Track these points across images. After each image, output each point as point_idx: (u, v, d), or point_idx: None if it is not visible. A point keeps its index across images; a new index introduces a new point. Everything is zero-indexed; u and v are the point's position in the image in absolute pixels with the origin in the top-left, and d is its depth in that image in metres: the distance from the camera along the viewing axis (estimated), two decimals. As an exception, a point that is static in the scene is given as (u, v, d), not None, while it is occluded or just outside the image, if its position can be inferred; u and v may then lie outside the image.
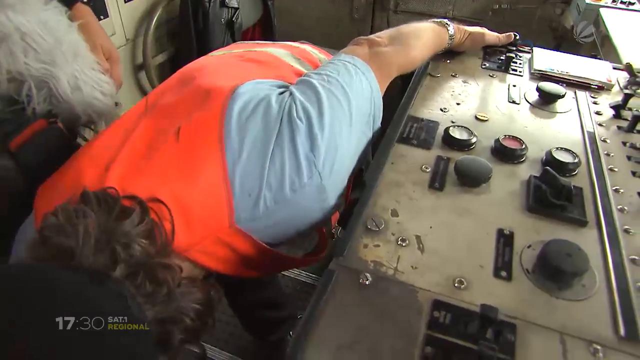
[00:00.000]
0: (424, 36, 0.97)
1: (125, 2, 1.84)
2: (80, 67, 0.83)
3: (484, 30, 1.20)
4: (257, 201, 0.63)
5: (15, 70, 0.74)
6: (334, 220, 0.91)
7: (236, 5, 1.97)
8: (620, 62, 1.21)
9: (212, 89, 0.70)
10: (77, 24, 0.87)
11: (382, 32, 0.93)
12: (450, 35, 1.09)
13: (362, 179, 0.80)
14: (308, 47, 1.06)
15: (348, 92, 0.72)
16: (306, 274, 1.95)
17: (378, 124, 0.80)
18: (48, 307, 0.43)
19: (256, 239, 0.67)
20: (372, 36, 0.89)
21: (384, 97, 0.82)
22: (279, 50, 0.97)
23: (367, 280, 0.61)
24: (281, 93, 0.70)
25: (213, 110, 0.66)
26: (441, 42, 1.07)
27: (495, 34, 1.23)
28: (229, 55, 0.93)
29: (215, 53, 0.97)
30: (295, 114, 0.65)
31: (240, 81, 0.70)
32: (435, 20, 1.06)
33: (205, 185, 0.62)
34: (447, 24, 1.08)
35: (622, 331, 0.57)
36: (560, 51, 1.26)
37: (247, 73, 0.76)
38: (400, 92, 1.09)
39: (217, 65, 0.86)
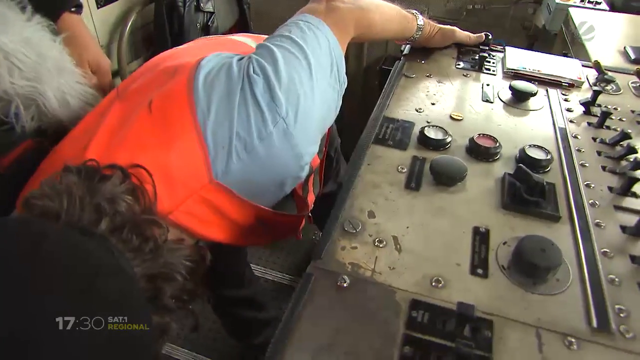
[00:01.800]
0: (386, 7, 0.99)
1: (98, 7, 1.80)
2: (66, 80, 0.83)
3: (455, 28, 1.22)
4: (229, 152, 0.66)
5: (1, 89, 0.74)
6: (310, 202, 0.94)
7: (212, 10, 1.95)
8: (589, 59, 1.23)
9: (179, 65, 0.74)
10: (61, 38, 0.87)
11: None
12: (419, 25, 1.11)
13: (338, 180, 0.80)
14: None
15: (302, 46, 0.75)
16: (289, 277, 1.95)
17: (343, 75, 0.82)
18: (38, 255, 0.44)
19: (238, 194, 0.69)
20: None
21: (362, 99, 0.83)
22: (240, 38, 1.02)
23: (345, 282, 0.61)
24: (240, 59, 0.74)
25: (181, 81, 0.70)
26: (408, 26, 1.09)
27: (466, 32, 1.25)
28: (194, 45, 0.97)
29: (180, 47, 0.99)
30: (251, 71, 0.69)
31: (205, 56, 0.74)
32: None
33: (181, 146, 0.65)
34: (416, 13, 1.10)
35: (594, 322, 0.58)
36: (534, 50, 1.28)
37: (211, 51, 0.78)
38: (377, 92, 1.09)
39: (183, 51, 0.90)
